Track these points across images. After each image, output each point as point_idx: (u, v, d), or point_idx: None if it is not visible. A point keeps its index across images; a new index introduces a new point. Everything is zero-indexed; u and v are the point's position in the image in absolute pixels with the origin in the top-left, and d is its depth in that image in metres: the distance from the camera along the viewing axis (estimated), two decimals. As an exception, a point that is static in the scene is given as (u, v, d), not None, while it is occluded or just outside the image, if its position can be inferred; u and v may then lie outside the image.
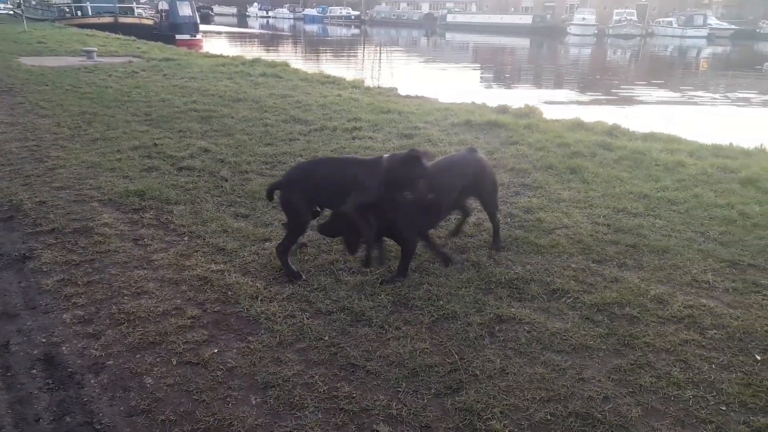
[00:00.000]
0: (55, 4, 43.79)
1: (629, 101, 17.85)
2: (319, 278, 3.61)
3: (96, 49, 15.72)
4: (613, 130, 7.34)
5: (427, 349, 2.90)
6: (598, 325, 3.09)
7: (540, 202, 4.77)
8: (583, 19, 57.85)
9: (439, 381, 2.67)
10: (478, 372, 2.73)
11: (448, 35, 60.25)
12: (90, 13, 35.98)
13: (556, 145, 6.41)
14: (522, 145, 6.47)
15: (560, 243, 4.02)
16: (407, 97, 10.60)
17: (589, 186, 5.19)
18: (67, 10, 38.61)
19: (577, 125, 7.67)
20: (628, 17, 57.34)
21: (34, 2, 47.68)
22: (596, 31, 56.49)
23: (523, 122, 7.56)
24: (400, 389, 2.63)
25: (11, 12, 47.81)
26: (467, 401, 2.53)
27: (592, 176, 5.42)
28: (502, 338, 2.99)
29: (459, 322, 3.11)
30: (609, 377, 2.69)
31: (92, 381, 2.69)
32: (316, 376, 2.71)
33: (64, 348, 2.93)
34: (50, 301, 3.33)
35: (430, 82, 18.19)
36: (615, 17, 58.03)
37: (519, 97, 15.72)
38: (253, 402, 2.56)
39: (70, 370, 2.77)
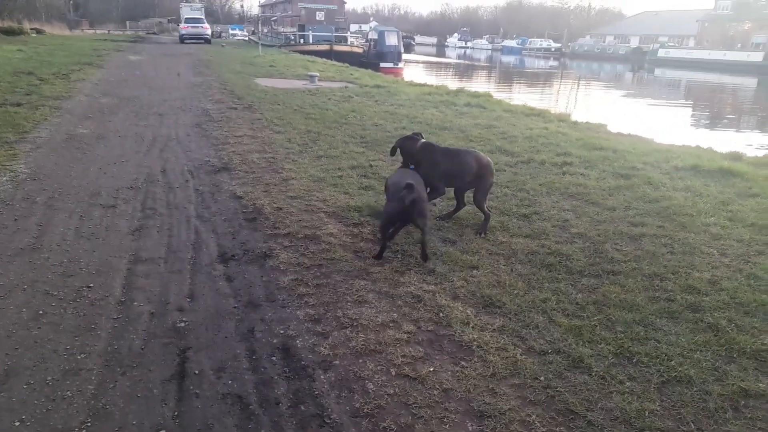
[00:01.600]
0: (282, 32, 49.81)
1: None
2: (530, 315, 3.53)
3: (317, 74, 17.41)
4: None
5: (657, 411, 2.66)
6: None
7: (792, 267, 4.15)
8: (831, 57, 49.81)
9: (672, 449, 2.44)
10: (720, 449, 2.43)
11: (658, 71, 56.02)
12: (310, 41, 40.22)
13: (809, 202, 5.56)
14: (764, 198, 5.71)
15: (821, 317, 3.45)
16: (619, 134, 10.02)
17: None
18: (292, 38, 43.70)
19: (835, 182, 6.57)
20: None
21: (266, 30, 54.73)
22: None
23: (763, 173, 6.68)
24: (626, 449, 2.45)
25: (246, 39, 55.52)
26: (709, 479, 2.26)
27: None
28: (749, 415, 2.63)
29: (694, 389, 2.81)
30: None
31: (322, 377, 2.93)
32: (533, 416, 2.64)
33: (298, 342, 3.23)
34: (286, 297, 3.71)
35: (638, 120, 17.03)
36: None
37: (746, 144, 14.00)
38: (470, 428, 2.57)
39: (303, 363, 3.04)
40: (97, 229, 4.77)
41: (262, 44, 36.52)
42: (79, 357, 3.02)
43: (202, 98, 12.70)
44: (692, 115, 24.28)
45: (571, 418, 2.63)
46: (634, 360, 3.05)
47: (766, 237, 4.73)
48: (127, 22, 66.66)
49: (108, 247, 4.42)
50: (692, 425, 2.56)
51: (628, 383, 2.86)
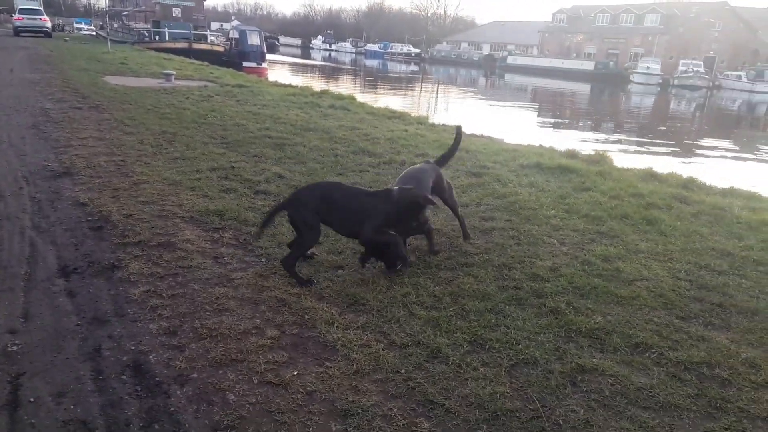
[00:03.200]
0: (135, 28, 46.69)
1: (695, 153, 17.41)
2: (392, 310, 3.61)
3: (174, 72, 16.54)
4: (689, 184, 7.15)
5: (507, 393, 2.85)
6: (686, 384, 2.97)
7: (617, 252, 4.67)
8: (648, 68, 57.08)
9: (520, 426, 2.62)
10: (561, 421, 2.66)
11: (507, 77, 60.57)
12: (167, 38, 38.13)
13: (630, 195, 6.29)
14: (595, 192, 6.37)
15: (641, 295, 3.91)
16: (472, 135, 10.65)
17: (667, 239, 5.05)
18: (146, 34, 41.18)
19: (650, 176, 7.51)
20: (695, 68, 56.16)
21: (116, 25, 50.92)
22: (660, 81, 55.58)
23: (594, 169, 7.46)
24: (480, 431, 2.59)
25: (93, 33, 51.25)
26: (552, 451, 2.46)
27: (670, 229, 5.27)
28: (584, 389, 2.91)
29: (539, 369, 3.05)
30: (702, 441, 2.57)
31: (178, 392, 2.77)
32: (395, 409, 2.70)
33: (151, 357, 3.02)
34: (137, 311, 3.46)
35: (490, 122, 18.26)
36: (681, 68, 57.00)
37: (581, 142, 15.61)
38: (333, 429, 2.57)
39: (157, 379, 2.85)
40: None
41: (111, 40, 33.90)
42: None
43: (40, 97, 11.50)
44: (537, 117, 26.54)
45: (431, 408, 2.73)
46: (487, 346, 3.24)
47: (597, 226, 5.28)
48: (-53, 11, 58.55)
49: None
50: (537, 403, 2.78)
51: (481, 369, 3.03)
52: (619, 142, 18.66)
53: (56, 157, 6.83)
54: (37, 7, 41.04)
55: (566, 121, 24.98)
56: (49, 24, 39.71)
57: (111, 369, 2.91)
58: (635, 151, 16.35)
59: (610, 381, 2.97)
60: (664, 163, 12.02)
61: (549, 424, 2.64)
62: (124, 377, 2.86)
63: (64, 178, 6.01)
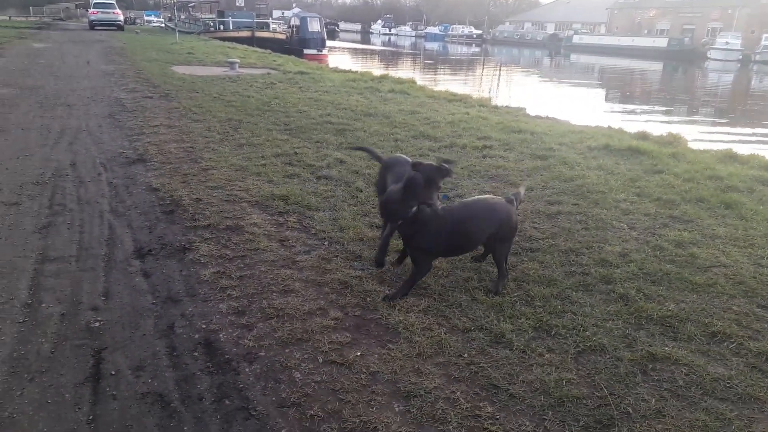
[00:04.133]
0: (201, 18, 48.13)
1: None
2: (454, 294, 3.60)
3: (238, 60, 16.92)
4: (773, 165, 6.71)
5: (574, 379, 2.78)
6: (767, 375, 2.81)
7: (692, 237, 4.45)
8: (727, 43, 53.57)
9: (587, 414, 2.56)
10: (630, 410, 2.58)
11: (573, 56, 58.46)
12: (231, 28, 39.08)
13: (707, 177, 5.96)
14: (667, 174, 6.08)
15: (718, 282, 3.72)
16: (537, 117, 10.37)
17: (748, 224, 4.77)
18: (212, 24, 42.32)
19: (729, 157, 7.09)
20: (780, 43, 52.24)
21: (183, 17, 52.67)
22: (741, 57, 52.08)
23: (666, 150, 7.12)
24: (546, 417, 2.55)
25: (163, 25, 53.22)
26: (621, 440, 2.39)
27: (751, 213, 4.97)
28: (656, 378, 2.81)
29: (607, 356, 2.97)
30: (786, 436, 2.43)
31: (247, 369, 2.86)
32: (458, 392, 2.70)
33: (221, 335, 3.14)
34: (208, 291, 3.60)
35: (556, 103, 17.72)
36: (764, 42, 53.15)
37: (654, 123, 14.89)
38: (396, 409, 2.60)
39: (227, 356, 2.96)
40: (-2, 228, 4.44)
41: (179, 31, 35.08)
42: (-20, 366, 2.81)
43: (114, 87, 12.06)
44: (605, 98, 25.52)
45: (494, 392, 2.71)
46: (552, 332, 3.18)
47: (670, 210, 5.05)
48: (31, 8, 62.29)
49: (11, 246, 4.13)
50: (605, 390, 2.70)
51: (547, 355, 2.98)
52: (695, 122, 17.69)
53: (130, 144, 7.16)
54: (110, 1, 42.91)
55: (636, 102, 23.89)
56: (121, 17, 41.47)
57: (184, 346, 3.05)
58: (712, 132, 15.45)
59: (683, 370, 2.85)
60: (745, 144, 11.33)
61: (618, 413, 2.56)
62: (196, 354, 2.98)
63: (138, 164, 6.29)
